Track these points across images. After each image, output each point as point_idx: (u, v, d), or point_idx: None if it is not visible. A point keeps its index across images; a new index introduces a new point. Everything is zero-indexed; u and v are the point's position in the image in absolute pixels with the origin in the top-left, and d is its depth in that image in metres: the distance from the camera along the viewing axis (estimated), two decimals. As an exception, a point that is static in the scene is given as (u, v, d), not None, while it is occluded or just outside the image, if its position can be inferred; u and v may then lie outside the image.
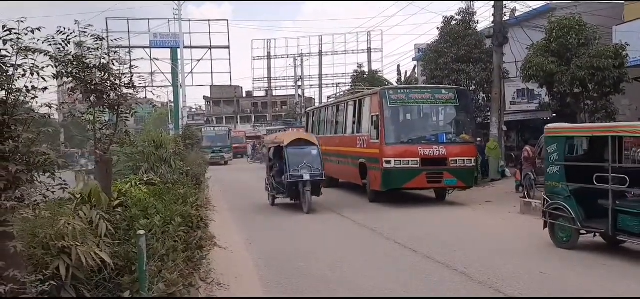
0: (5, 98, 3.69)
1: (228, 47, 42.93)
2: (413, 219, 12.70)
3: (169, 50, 42.50)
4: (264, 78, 63.93)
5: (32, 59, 3.96)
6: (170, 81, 44.19)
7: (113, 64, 6.04)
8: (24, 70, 3.92)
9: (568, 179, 9.03)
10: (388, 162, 14.57)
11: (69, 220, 4.17)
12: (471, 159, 15.23)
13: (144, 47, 42.52)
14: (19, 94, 3.73)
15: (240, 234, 11.37)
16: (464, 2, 23.51)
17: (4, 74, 3.76)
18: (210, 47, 42.92)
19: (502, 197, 16.21)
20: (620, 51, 15.72)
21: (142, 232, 4.17)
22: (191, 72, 42.06)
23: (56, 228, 4.06)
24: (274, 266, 8.28)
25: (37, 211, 3.88)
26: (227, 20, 53.66)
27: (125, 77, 6.16)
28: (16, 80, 3.75)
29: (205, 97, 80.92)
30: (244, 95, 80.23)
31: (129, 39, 40.03)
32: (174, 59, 41.31)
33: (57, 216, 4.21)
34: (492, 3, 20.90)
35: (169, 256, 4.76)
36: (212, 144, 41.41)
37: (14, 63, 3.83)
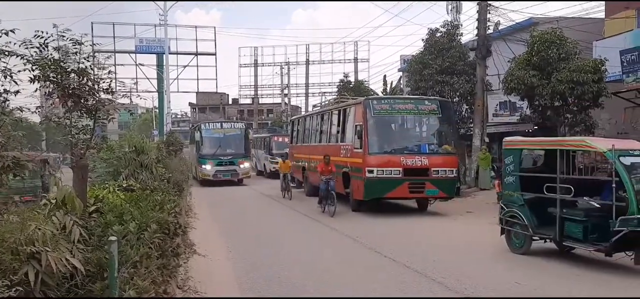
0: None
1: (214, 54, 42.82)
2: (394, 229, 12.74)
3: (154, 55, 42.47)
4: (250, 86, 63.84)
5: (4, 62, 3.92)
6: (156, 87, 44.02)
7: (92, 68, 6.00)
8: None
9: (524, 189, 9.46)
10: (371, 171, 14.61)
11: (40, 225, 4.12)
12: (453, 170, 15.35)
13: (129, 52, 42.38)
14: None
15: (221, 241, 11.33)
16: (448, 14, 23.81)
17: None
18: (196, 54, 42.81)
19: (482, 208, 16.36)
20: (600, 66, 16.04)
21: (113, 238, 4.13)
22: (177, 78, 41.93)
23: (25, 233, 4.01)
24: (252, 274, 8.27)
25: (5, 216, 3.82)
26: (214, 28, 53.25)
27: (104, 82, 6.12)
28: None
29: (190, 104, 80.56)
30: (230, 102, 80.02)
31: (114, 43, 39.83)
32: (159, 64, 41.16)
33: (26, 220, 4.15)
34: (476, 17, 21.20)
35: (141, 262, 4.72)
36: (216, 151, 27.09)
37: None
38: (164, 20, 35.29)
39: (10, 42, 4.06)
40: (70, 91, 5.92)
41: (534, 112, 18.55)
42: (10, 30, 3.98)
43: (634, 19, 18.82)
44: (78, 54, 5.86)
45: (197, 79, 43.53)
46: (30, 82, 5.63)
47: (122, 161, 12.11)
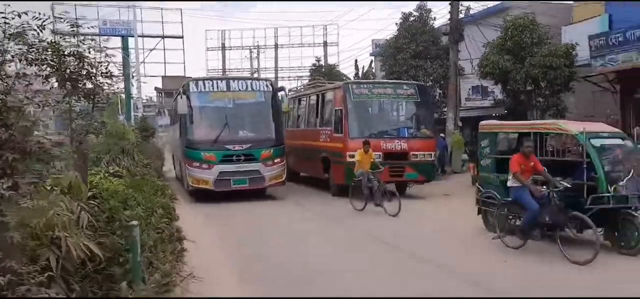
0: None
1: (182, 37, 41.99)
2: (374, 211, 12.92)
3: (119, 38, 41.36)
4: (218, 70, 62.96)
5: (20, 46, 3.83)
6: (121, 71, 42.94)
7: (89, 52, 5.87)
8: (11, 56, 3.79)
9: (499, 171, 9.82)
10: (352, 155, 14.71)
11: (59, 210, 4.07)
12: (431, 154, 15.63)
13: (92, 35, 40.98)
14: (11, 80, 3.60)
15: (207, 226, 11.25)
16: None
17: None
18: (163, 37, 41.85)
19: (459, 191, 16.73)
20: (571, 51, 16.56)
21: (135, 222, 4.12)
22: (143, 62, 41.01)
23: (45, 218, 3.95)
24: (241, 258, 8.29)
25: (34, 201, 3.76)
26: (181, 9, 52.02)
27: (102, 65, 6.00)
28: (8, 66, 3.62)
29: (156, 89, 78.90)
30: (197, 86, 78.52)
31: (76, 25, 38.58)
32: (125, 47, 40.15)
33: (46, 206, 4.08)
34: (449, 1, 21.51)
35: (156, 247, 4.71)
36: (219, 134, 14.50)
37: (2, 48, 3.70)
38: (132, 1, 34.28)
39: (23, 23, 3.93)
40: (67, 75, 5.79)
41: (507, 97, 19.04)
42: (24, 12, 3.86)
43: (602, 4, 19.46)
44: (76, 36, 5.73)
45: (164, 63, 42.68)
46: (28, 65, 5.48)
47: (103, 146, 11.92)
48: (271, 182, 14.85)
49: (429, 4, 24.25)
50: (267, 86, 15.82)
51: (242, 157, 14.37)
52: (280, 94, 15.77)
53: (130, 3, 36.93)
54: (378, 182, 12.49)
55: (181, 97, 14.90)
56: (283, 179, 15.18)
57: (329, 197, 15.45)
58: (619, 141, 8.80)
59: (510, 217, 8.95)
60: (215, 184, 14.16)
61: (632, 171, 8.15)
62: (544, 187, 8.25)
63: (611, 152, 8.45)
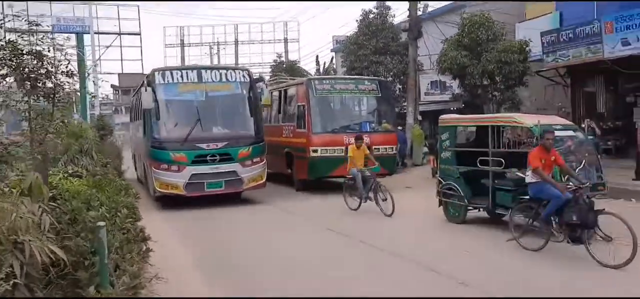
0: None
1: (139, 34, 41.16)
2: (339, 204, 13.06)
3: (74, 35, 40.16)
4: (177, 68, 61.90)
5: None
6: (76, 69, 41.68)
7: (49, 50, 5.73)
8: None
9: (459, 163, 10.21)
10: (315, 151, 14.83)
11: (22, 213, 3.97)
12: (392, 147, 15.90)
13: (45, 32, 39.76)
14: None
15: (168, 223, 11.13)
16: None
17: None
18: (119, 34, 40.94)
19: (420, 184, 17.08)
20: (524, 46, 17.15)
21: (102, 223, 4.07)
22: (99, 59, 39.99)
23: (6, 221, 3.85)
24: (207, 258, 8.26)
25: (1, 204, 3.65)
26: (138, 6, 50.97)
27: (62, 64, 5.87)
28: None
29: (113, 86, 76.87)
30: (156, 83, 76.96)
31: (27, 22, 37.24)
32: (79, 45, 39.04)
33: (10, 208, 3.98)
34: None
35: (122, 248, 4.66)
36: (190, 131, 12.74)
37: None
38: (88, -2, 33.37)
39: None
40: (25, 75, 5.64)
41: (465, 91, 19.56)
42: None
43: (553, 2, 20.20)
44: (34, 35, 5.59)
45: (121, 60, 41.72)
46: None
47: (60, 146, 11.59)
48: (250, 185, 13.25)
49: (389, 2, 24.68)
50: (244, 75, 13.92)
51: (217, 157, 12.70)
52: (259, 84, 14.18)
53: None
54: (373, 179, 11.74)
55: (146, 90, 12.65)
56: (263, 181, 13.61)
57: (298, 194, 15.40)
58: (570, 133, 9.20)
59: (526, 216, 8.28)
60: (187, 189, 12.46)
61: (583, 161, 8.54)
62: (570, 183, 7.74)
63: (563, 143, 8.82)
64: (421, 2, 21.52)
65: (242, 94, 13.76)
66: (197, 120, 12.79)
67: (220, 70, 13.92)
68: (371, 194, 11.60)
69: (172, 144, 12.57)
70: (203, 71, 13.63)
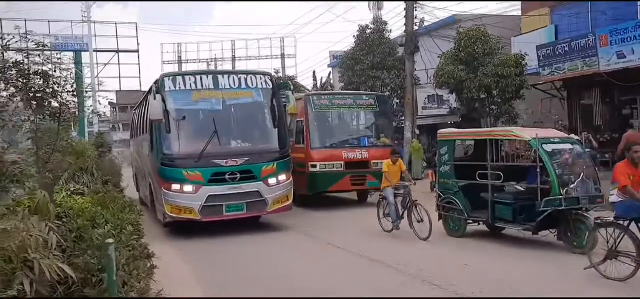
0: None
1: (137, 51, 41.45)
2: (339, 219, 13.10)
3: (72, 53, 40.37)
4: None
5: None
6: (74, 86, 41.81)
7: (55, 70, 5.83)
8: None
9: (457, 177, 10.26)
10: (314, 165, 14.90)
11: (31, 231, 4.03)
12: (391, 162, 15.93)
13: (43, 50, 39.87)
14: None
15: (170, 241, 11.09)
16: (370, 11, 24.73)
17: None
18: (117, 51, 41.24)
19: (418, 197, 17.01)
20: (520, 60, 17.34)
21: (110, 240, 4.13)
22: (97, 76, 40.17)
23: (18, 239, 3.91)
24: (208, 270, 8.28)
25: (5, 221, 3.71)
26: (136, 23, 51.40)
27: (68, 84, 5.95)
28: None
29: (110, 103, 76.98)
30: (153, 100, 77.06)
31: (26, 41, 37.39)
32: (77, 62, 39.25)
33: (20, 227, 4.04)
34: (404, 14, 22.08)
35: (129, 265, 4.72)
36: (205, 145, 10.93)
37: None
38: (87, 16, 33.64)
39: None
40: (32, 94, 5.73)
41: (462, 105, 19.70)
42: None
43: (548, 15, 20.46)
44: (40, 55, 5.68)
45: (119, 77, 41.97)
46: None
47: (61, 164, 11.64)
48: (275, 207, 11.32)
49: (385, 17, 24.98)
50: (266, 81, 11.95)
51: (237, 175, 10.88)
52: (283, 91, 12.64)
53: (85, 18, 36.06)
54: (408, 198, 10.56)
55: (154, 98, 10.77)
56: (289, 202, 11.74)
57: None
58: (568, 146, 9.30)
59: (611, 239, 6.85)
60: (202, 213, 10.66)
61: (581, 174, 8.63)
62: None
63: (561, 156, 8.91)
64: (418, 16, 21.70)
65: (265, 102, 11.87)
66: (213, 132, 11.02)
67: (239, 75, 11.96)
68: (405, 214, 10.58)
69: (185, 161, 10.81)
70: (219, 76, 11.79)
